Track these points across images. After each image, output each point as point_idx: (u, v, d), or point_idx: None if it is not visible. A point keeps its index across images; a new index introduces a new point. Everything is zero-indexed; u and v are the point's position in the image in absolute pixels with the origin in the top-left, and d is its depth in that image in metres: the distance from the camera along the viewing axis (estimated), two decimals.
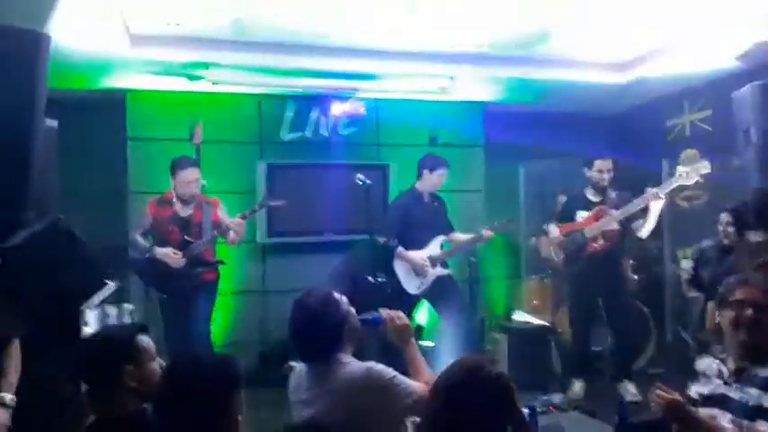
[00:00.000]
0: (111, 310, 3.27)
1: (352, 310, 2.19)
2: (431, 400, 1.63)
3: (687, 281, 3.46)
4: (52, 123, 3.05)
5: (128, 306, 3.61)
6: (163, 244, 3.94)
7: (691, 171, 3.97)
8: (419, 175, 4.51)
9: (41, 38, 2.63)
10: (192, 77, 4.60)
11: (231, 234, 3.99)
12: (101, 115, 4.83)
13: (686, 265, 3.37)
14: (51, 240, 2.65)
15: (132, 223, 4.79)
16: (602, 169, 4.38)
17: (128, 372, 1.65)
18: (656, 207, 4.05)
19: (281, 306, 4.84)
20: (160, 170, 4.87)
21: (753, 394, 2.00)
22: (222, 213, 4.14)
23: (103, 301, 3.10)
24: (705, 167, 3.97)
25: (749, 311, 2.10)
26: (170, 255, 3.86)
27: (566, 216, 4.50)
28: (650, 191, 4.06)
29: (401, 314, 2.29)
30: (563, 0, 3.80)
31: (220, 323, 4.61)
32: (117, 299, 3.55)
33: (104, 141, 4.87)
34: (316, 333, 2.06)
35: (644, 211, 4.17)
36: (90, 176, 4.67)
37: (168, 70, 4.47)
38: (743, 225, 3.45)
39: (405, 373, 2.13)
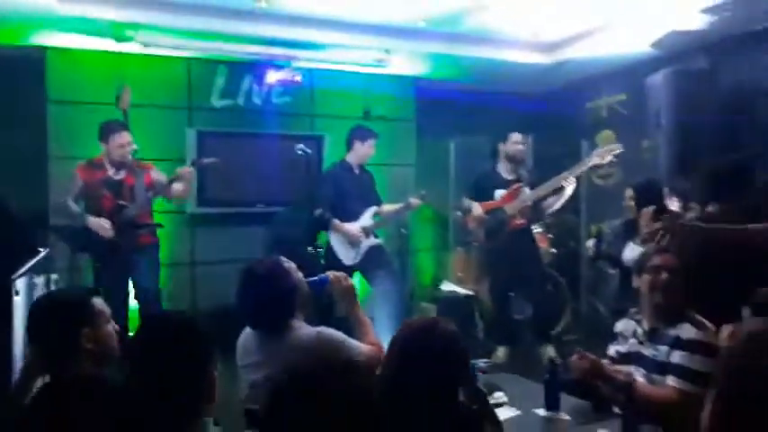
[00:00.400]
0: (38, 280, 3.13)
1: (302, 276, 2.24)
2: (387, 357, 1.71)
3: (591, 258, 3.74)
4: None
5: (53, 276, 3.46)
6: (95, 209, 3.82)
7: (603, 152, 4.26)
8: (349, 147, 4.57)
9: None
10: (120, 38, 4.39)
11: (177, 187, 3.90)
12: (17, 74, 4.52)
13: (590, 243, 3.68)
14: None
15: (53, 189, 4.60)
16: (517, 141, 4.60)
17: (84, 334, 1.64)
18: (569, 189, 4.33)
19: (211, 277, 4.88)
20: (83, 134, 4.66)
21: (662, 351, 2.22)
22: (157, 175, 4.05)
23: (29, 270, 2.96)
24: (616, 148, 4.26)
25: (664, 275, 2.33)
26: (101, 225, 3.76)
27: (481, 194, 4.62)
28: (564, 174, 4.31)
29: (347, 276, 2.37)
30: None
31: None
32: (41, 268, 3.39)
33: (21, 103, 4.57)
34: (268, 301, 2.10)
35: (556, 191, 4.43)
36: (6, 140, 4.39)
37: (95, 29, 4.25)
38: (643, 200, 3.70)
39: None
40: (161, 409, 1.27)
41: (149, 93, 4.84)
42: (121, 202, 3.83)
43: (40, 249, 2.81)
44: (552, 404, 2.21)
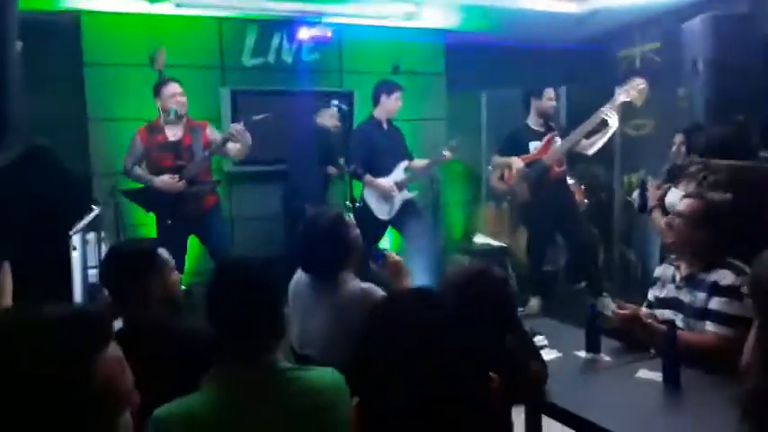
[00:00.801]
0: (90, 236, 3.27)
1: (359, 233, 2.34)
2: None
3: (637, 209, 3.71)
4: (17, 45, 2.95)
5: (103, 233, 3.60)
6: (155, 171, 3.94)
7: (629, 88, 4.28)
8: (376, 102, 4.59)
9: None
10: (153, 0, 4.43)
11: (233, 146, 4.00)
12: (54, 38, 4.57)
13: (634, 194, 3.66)
14: (34, 164, 2.63)
15: (93, 150, 4.73)
16: (551, 97, 4.61)
17: (155, 281, 1.75)
18: (613, 123, 4.34)
19: (247, 232, 5.01)
20: (119, 96, 4.79)
21: (700, 297, 2.26)
22: (212, 133, 4.14)
23: (83, 227, 3.09)
24: (641, 83, 4.27)
25: (677, 221, 2.36)
26: (167, 181, 3.88)
27: (516, 149, 4.63)
28: (593, 117, 4.34)
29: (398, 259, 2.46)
30: None
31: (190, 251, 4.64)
32: (92, 226, 3.54)
33: (59, 66, 4.65)
34: (328, 251, 2.21)
35: (591, 135, 4.45)
36: (45, 103, 4.48)
37: None
38: (694, 144, 3.68)
39: None
40: (239, 348, 1.37)
41: (183, 53, 4.88)
42: (180, 162, 3.93)
43: (93, 207, 2.93)
44: (593, 346, 2.28)
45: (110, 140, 4.68)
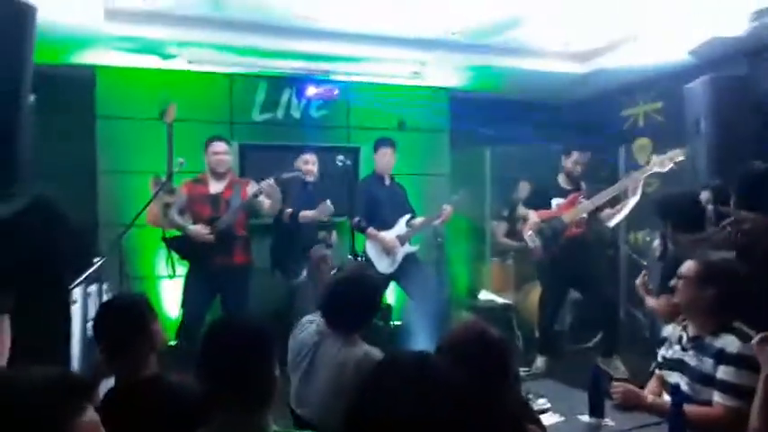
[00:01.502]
0: (92, 288, 3.27)
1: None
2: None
3: (658, 258, 3.62)
4: (30, 98, 3.03)
5: (105, 285, 3.60)
6: (194, 221, 4.10)
7: (664, 159, 4.22)
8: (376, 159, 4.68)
9: (29, 8, 2.61)
10: (166, 56, 4.57)
11: (264, 201, 4.12)
12: (69, 91, 4.71)
13: (655, 243, 3.58)
14: (38, 216, 2.65)
15: (102, 201, 4.79)
16: (578, 161, 4.61)
17: (152, 330, 1.75)
18: (632, 199, 4.30)
19: (260, 283, 4.98)
20: (130, 149, 4.87)
21: (707, 362, 2.21)
22: (252, 189, 4.21)
23: (84, 280, 3.09)
24: (679, 155, 4.24)
25: (680, 283, 2.35)
26: (199, 231, 4.01)
27: (538, 202, 4.63)
28: (622, 181, 4.32)
29: None
30: None
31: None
32: (94, 278, 3.53)
33: (72, 118, 4.76)
34: (359, 308, 2.28)
35: (612, 202, 4.42)
36: (57, 154, 4.57)
37: (142, 47, 4.43)
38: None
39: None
40: (228, 407, 1.35)
41: (193, 108, 5.01)
42: (215, 214, 4.07)
43: (96, 259, 2.94)
44: (596, 410, 2.22)
45: (118, 192, 4.76)
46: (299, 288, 4.37)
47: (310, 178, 4.51)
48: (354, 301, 2.25)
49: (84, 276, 2.89)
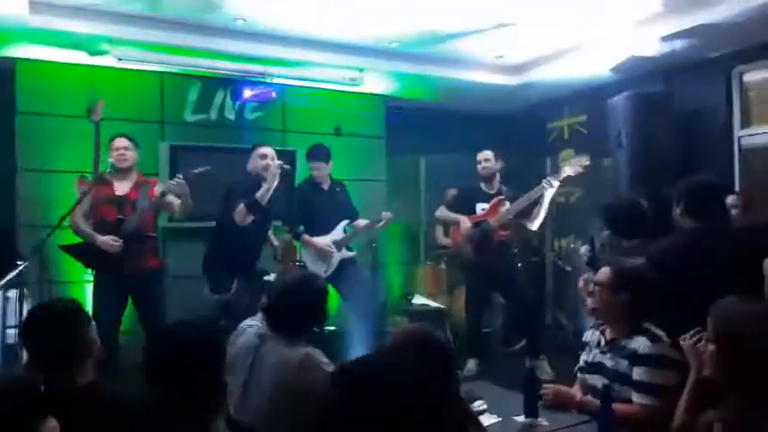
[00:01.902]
0: (11, 293, 3.09)
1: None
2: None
3: (587, 263, 3.77)
4: None
5: (25, 290, 3.41)
6: (98, 224, 3.83)
7: (575, 164, 4.52)
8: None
9: None
10: (94, 52, 4.39)
11: (175, 201, 3.93)
12: None
13: (583, 249, 3.74)
14: None
15: (22, 202, 4.54)
16: (480, 159, 4.76)
17: (80, 340, 1.69)
18: (548, 197, 4.49)
19: (181, 292, 4.85)
20: (53, 147, 4.64)
21: (622, 363, 2.35)
22: (159, 189, 4.04)
23: (4, 285, 2.92)
24: (586, 160, 4.54)
25: (590, 287, 2.52)
26: (108, 242, 3.75)
27: (464, 207, 4.76)
28: (545, 181, 4.50)
29: None
30: (464, 5, 4.10)
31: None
32: (13, 283, 3.35)
33: None
34: (305, 313, 2.27)
35: (532, 206, 4.58)
36: None
37: (68, 42, 4.23)
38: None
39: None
40: (177, 414, 1.32)
41: (122, 106, 4.80)
42: (121, 216, 3.84)
43: (19, 263, 2.78)
44: (531, 411, 2.31)
45: (40, 192, 4.51)
46: (229, 304, 3.98)
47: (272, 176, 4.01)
48: (301, 305, 2.24)
49: (4, 281, 2.73)
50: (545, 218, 4.63)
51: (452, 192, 5.22)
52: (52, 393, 1.62)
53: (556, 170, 5.62)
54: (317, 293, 2.31)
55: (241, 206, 3.92)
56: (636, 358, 2.30)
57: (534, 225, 4.63)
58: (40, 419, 0.84)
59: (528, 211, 4.59)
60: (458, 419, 1.84)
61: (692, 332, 2.02)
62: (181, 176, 3.89)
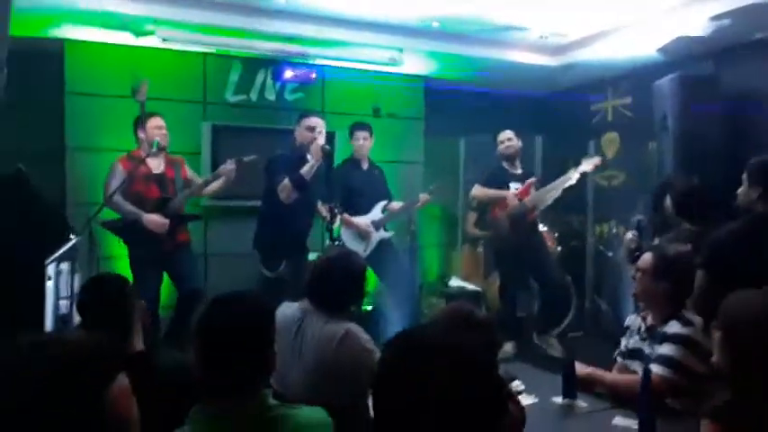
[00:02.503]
0: (64, 267, 3.21)
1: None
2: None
3: (632, 249, 3.64)
4: (3, 72, 2.95)
5: (76, 264, 3.53)
6: (138, 201, 3.94)
7: (589, 162, 4.58)
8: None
9: None
10: (139, 33, 4.47)
11: (214, 186, 4.08)
12: (36, 66, 4.56)
13: (631, 236, 3.61)
14: (13, 192, 2.59)
15: (70, 179, 4.68)
16: (503, 139, 4.77)
17: (132, 311, 1.76)
18: (561, 184, 4.54)
19: (223, 269, 4.95)
20: (100, 126, 4.77)
21: (656, 349, 2.35)
22: (190, 171, 4.24)
23: (58, 257, 3.04)
24: (598, 162, 4.63)
25: (638, 275, 2.47)
26: (157, 221, 3.88)
27: (497, 185, 4.74)
28: (563, 177, 4.57)
29: None
30: None
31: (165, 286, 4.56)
32: (66, 256, 3.47)
33: (40, 94, 4.63)
34: (345, 288, 2.31)
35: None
36: (24, 130, 4.44)
37: (114, 24, 4.32)
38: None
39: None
40: (227, 387, 1.36)
41: (166, 87, 4.89)
42: (166, 195, 3.97)
43: (72, 237, 2.89)
44: (569, 392, 2.31)
45: (87, 170, 4.64)
46: (276, 282, 4.05)
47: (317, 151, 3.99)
48: (341, 281, 2.28)
49: (58, 253, 2.84)
50: (580, 204, 4.64)
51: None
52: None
53: (599, 153, 5.58)
54: (357, 270, 2.34)
55: (285, 182, 3.92)
56: (664, 339, 2.32)
57: (546, 202, 4.63)
58: (112, 376, 0.88)
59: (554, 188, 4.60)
60: (498, 396, 1.86)
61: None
62: (233, 161, 3.97)
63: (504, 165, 4.79)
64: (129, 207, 3.92)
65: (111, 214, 3.98)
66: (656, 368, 2.23)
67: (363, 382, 2.03)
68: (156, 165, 4.06)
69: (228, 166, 3.98)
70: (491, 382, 0.99)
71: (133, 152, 4.10)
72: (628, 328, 2.68)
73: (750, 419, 1.42)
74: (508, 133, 4.79)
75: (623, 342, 2.67)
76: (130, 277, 3.96)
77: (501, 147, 4.77)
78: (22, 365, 0.85)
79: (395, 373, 0.98)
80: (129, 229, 3.91)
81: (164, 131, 4.08)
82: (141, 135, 4.07)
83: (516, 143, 4.79)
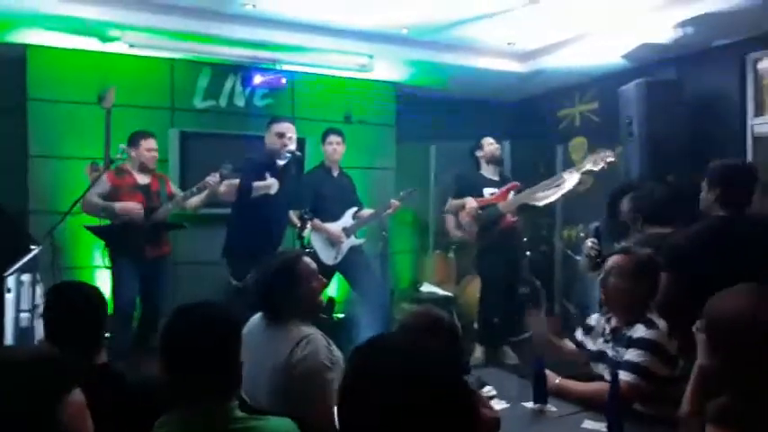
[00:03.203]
0: (25, 277, 3.12)
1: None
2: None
3: (593, 257, 3.58)
4: None
5: (37, 275, 3.44)
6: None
7: (598, 158, 4.41)
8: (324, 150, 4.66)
9: None
10: (105, 38, 4.39)
11: (196, 200, 4.13)
12: None
13: (590, 243, 3.57)
14: None
15: (33, 187, 4.57)
16: (491, 142, 4.81)
17: (104, 318, 1.72)
18: (567, 185, 4.46)
19: (190, 277, 4.87)
20: (64, 133, 4.67)
21: (621, 353, 2.37)
22: (174, 187, 4.33)
23: (18, 268, 2.95)
24: (611, 155, 4.42)
25: (610, 278, 2.47)
26: (129, 206, 3.91)
27: (469, 193, 4.73)
28: (566, 171, 4.49)
29: None
30: None
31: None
32: (27, 267, 3.38)
33: (1, 100, 4.53)
34: (283, 292, 2.18)
35: (544, 188, 4.56)
36: None
37: (81, 28, 4.24)
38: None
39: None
40: (195, 394, 1.33)
41: (133, 93, 4.82)
42: (152, 204, 4.05)
43: (33, 247, 2.81)
44: (540, 397, 2.32)
45: (51, 178, 4.55)
46: (244, 290, 3.88)
47: (288, 153, 4.01)
48: (273, 284, 2.19)
49: (18, 265, 2.76)
50: (549, 209, 4.62)
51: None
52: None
53: (567, 158, 5.61)
54: (287, 268, 2.21)
55: (235, 181, 4.00)
56: (630, 343, 2.33)
57: (541, 202, 4.58)
58: (67, 391, 0.85)
59: (539, 190, 4.56)
60: (468, 401, 1.86)
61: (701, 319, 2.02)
62: (217, 174, 3.99)
63: (483, 170, 4.81)
64: (102, 202, 3.94)
65: (92, 221, 4.01)
66: (623, 375, 2.24)
67: (316, 397, 1.98)
68: (142, 178, 4.16)
69: (212, 178, 3.98)
70: (458, 389, 0.98)
71: (121, 166, 4.16)
72: (591, 327, 2.70)
73: (757, 420, 1.41)
74: (490, 139, 4.82)
75: (579, 332, 2.71)
76: (110, 285, 3.94)
77: (487, 150, 4.77)
78: None
79: (361, 381, 0.97)
80: (113, 233, 3.95)
81: (155, 154, 4.19)
82: (133, 153, 4.14)
83: (498, 148, 4.82)
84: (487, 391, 2.43)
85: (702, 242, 2.68)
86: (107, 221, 4.01)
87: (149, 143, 4.17)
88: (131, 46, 4.50)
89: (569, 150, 6.12)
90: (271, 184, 3.95)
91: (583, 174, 4.54)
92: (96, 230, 3.99)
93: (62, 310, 1.73)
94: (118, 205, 3.92)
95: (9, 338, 2.75)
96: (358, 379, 0.97)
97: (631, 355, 2.29)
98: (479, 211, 4.62)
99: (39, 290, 3.42)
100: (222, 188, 4.09)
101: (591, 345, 2.64)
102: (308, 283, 2.23)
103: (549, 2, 4.23)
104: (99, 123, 4.48)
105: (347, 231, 4.59)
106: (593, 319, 2.73)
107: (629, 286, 2.43)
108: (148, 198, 4.08)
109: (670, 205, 3.25)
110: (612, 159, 4.40)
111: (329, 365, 2.04)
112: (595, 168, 4.41)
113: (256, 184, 3.94)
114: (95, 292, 1.79)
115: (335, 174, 4.67)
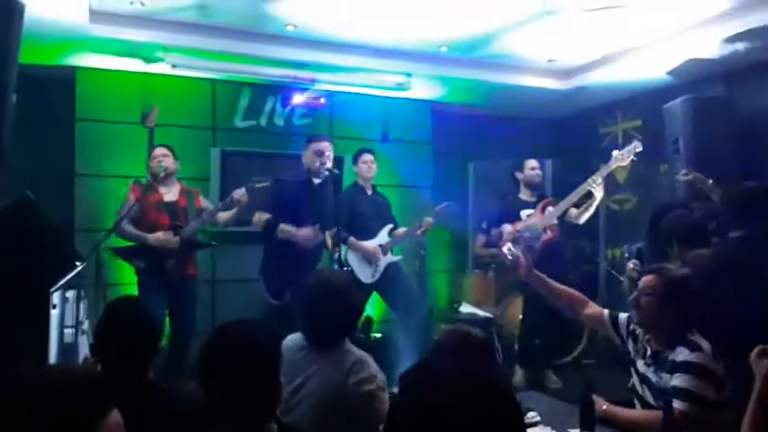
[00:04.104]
0: (70, 293, 3.18)
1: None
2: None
3: (634, 279, 3.50)
4: (13, 98, 2.95)
5: (82, 291, 3.51)
6: (150, 229, 3.93)
7: (625, 153, 4.28)
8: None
9: (17, 5, 2.55)
10: (149, 59, 4.50)
11: (226, 215, 4.05)
12: (47, 92, 4.61)
13: (632, 265, 3.46)
14: (20, 217, 2.58)
15: (79, 205, 4.68)
16: (534, 167, 4.71)
17: (156, 336, 1.72)
18: (598, 194, 4.33)
19: (232, 295, 4.90)
20: (109, 153, 4.79)
21: (665, 378, 2.25)
22: (204, 201, 4.23)
23: (63, 285, 3.01)
24: (637, 146, 4.28)
25: (644, 298, 2.35)
26: (161, 238, 3.87)
27: (506, 219, 4.66)
28: (588, 180, 4.35)
29: None
30: (515, 9, 4.03)
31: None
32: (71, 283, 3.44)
33: (50, 120, 4.66)
34: (337, 315, 2.14)
35: (579, 204, 4.49)
36: (34, 156, 4.46)
37: (127, 50, 4.36)
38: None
39: None
40: (234, 416, 1.30)
41: (175, 113, 4.94)
42: (177, 222, 3.96)
43: (77, 263, 2.86)
44: (587, 424, 2.22)
45: (96, 197, 4.66)
46: (282, 310, 3.91)
47: (326, 171, 4.02)
48: (324, 307, 2.12)
49: (64, 281, 2.81)
50: (591, 228, 4.49)
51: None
52: (120, 388, 1.66)
53: (611, 177, 5.47)
54: (339, 291, 2.15)
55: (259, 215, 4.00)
56: (674, 368, 2.22)
57: (581, 219, 4.48)
58: (104, 412, 0.83)
59: (576, 207, 4.48)
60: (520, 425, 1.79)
61: (760, 346, 1.91)
62: (244, 189, 3.94)
63: (521, 193, 4.74)
64: (135, 231, 3.92)
65: (122, 243, 3.99)
66: (676, 403, 2.13)
67: (374, 422, 1.94)
68: (169, 193, 4.08)
69: (240, 191, 3.93)
70: (514, 412, 0.94)
71: (146, 182, 4.16)
72: (636, 333, 2.57)
73: None
74: (533, 162, 4.75)
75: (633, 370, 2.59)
76: None
77: (528, 175, 4.71)
78: (10, 400, 0.81)
79: (415, 408, 0.94)
80: (139, 255, 3.91)
81: (169, 159, 4.09)
82: (150, 165, 4.13)
83: (540, 172, 4.74)
84: (531, 416, 2.34)
85: (715, 264, 2.60)
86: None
87: (160, 150, 4.12)
88: (174, 66, 4.60)
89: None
90: (296, 233, 4.00)
91: (615, 169, 4.42)
92: (123, 254, 3.97)
93: (117, 326, 1.74)
94: (151, 237, 3.87)
95: (53, 354, 2.79)
96: (413, 407, 0.94)
97: (678, 380, 2.18)
98: (517, 234, 4.53)
99: (83, 306, 3.48)
100: (220, 217, 4.08)
101: (631, 348, 2.52)
102: (356, 303, 2.20)
103: (590, 17, 4.17)
104: (142, 142, 4.58)
105: (383, 248, 4.56)
106: (623, 317, 2.61)
107: (660, 307, 2.33)
108: (174, 216, 4.00)
109: (704, 227, 3.14)
110: (640, 149, 4.27)
111: (384, 387, 2.03)
112: (623, 163, 4.31)
113: (282, 228, 3.98)
114: (146, 309, 1.79)
115: (369, 192, 4.66)
